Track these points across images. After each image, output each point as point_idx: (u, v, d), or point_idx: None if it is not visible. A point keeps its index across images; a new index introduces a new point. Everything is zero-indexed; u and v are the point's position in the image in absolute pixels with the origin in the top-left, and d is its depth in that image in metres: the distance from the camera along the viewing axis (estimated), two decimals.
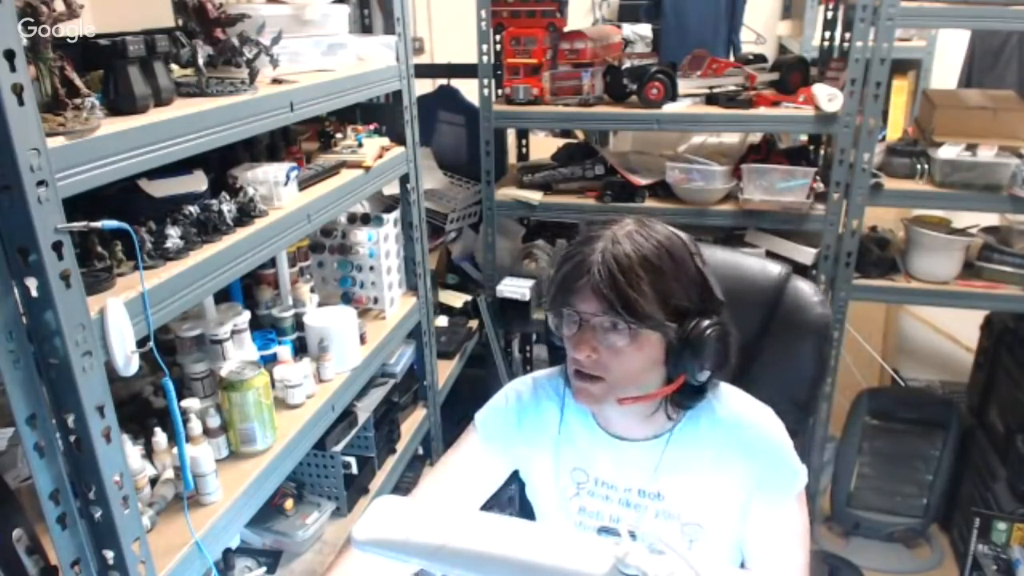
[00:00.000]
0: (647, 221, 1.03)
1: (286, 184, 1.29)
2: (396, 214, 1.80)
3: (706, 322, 0.97)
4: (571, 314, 0.97)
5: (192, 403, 1.17)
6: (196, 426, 1.14)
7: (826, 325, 1.26)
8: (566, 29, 2.18)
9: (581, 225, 2.53)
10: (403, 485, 1.95)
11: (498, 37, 2.23)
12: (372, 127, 1.73)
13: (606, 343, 0.96)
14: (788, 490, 1.03)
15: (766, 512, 1.04)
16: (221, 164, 1.29)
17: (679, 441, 1.05)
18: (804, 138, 2.48)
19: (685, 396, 1.02)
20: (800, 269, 1.88)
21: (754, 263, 1.32)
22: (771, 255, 2.04)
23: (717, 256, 1.29)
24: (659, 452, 1.05)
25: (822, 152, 2.36)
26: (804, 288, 1.27)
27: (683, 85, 2.08)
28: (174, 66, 1.15)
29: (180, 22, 1.55)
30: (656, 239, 0.99)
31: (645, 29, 2.50)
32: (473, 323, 2.36)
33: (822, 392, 1.27)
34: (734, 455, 1.04)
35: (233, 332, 1.31)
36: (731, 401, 1.07)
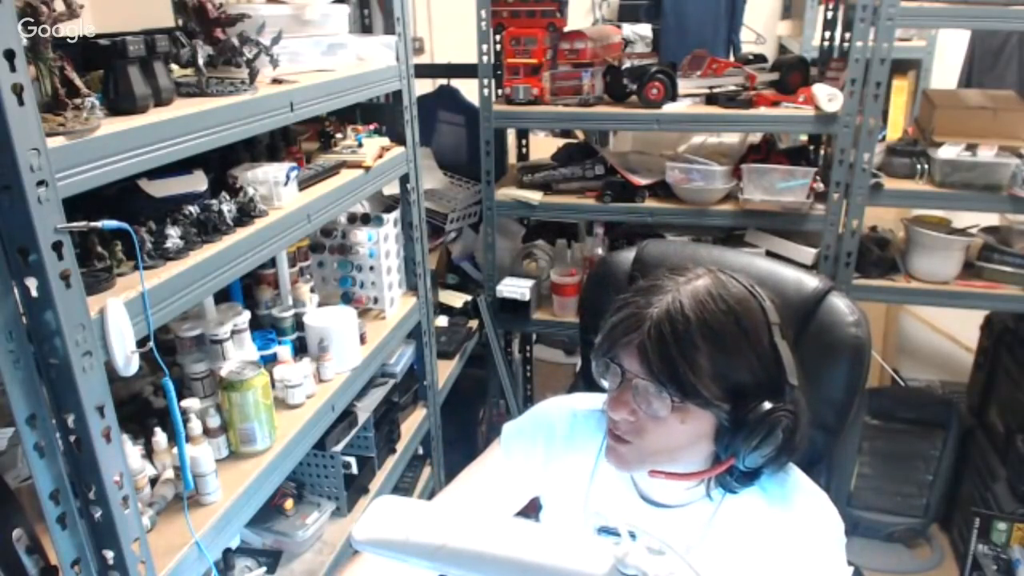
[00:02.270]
0: (725, 275, 0.90)
1: (286, 184, 1.29)
2: (396, 214, 1.80)
3: (768, 405, 0.84)
4: (615, 368, 0.88)
5: (192, 403, 1.17)
6: (196, 426, 1.14)
7: (859, 347, 1.15)
8: (566, 29, 2.18)
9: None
10: (403, 485, 1.95)
11: (498, 37, 2.23)
12: (372, 127, 1.73)
13: (647, 408, 0.87)
14: None
15: None
16: (221, 164, 1.29)
17: (718, 516, 0.96)
18: (804, 138, 2.48)
19: (733, 478, 0.92)
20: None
21: (790, 275, 1.22)
22: (772, 255, 2.04)
23: (755, 265, 1.23)
24: (691, 520, 0.96)
25: (822, 152, 2.36)
26: (840, 306, 1.17)
27: (683, 85, 2.08)
28: (174, 66, 1.15)
29: (180, 22, 1.55)
30: (727, 303, 0.86)
31: (645, 29, 2.50)
32: (473, 323, 2.36)
33: (851, 417, 1.19)
34: (773, 544, 0.93)
35: (233, 332, 1.31)
36: (786, 486, 0.95)
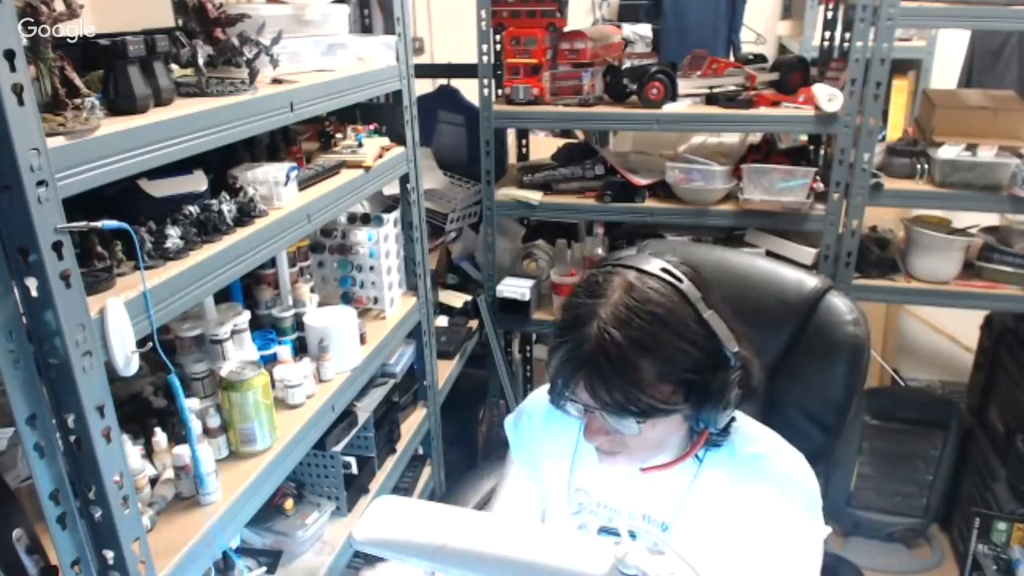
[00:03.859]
0: (634, 272, 0.89)
1: (286, 184, 1.29)
2: (396, 214, 1.80)
3: (720, 375, 0.88)
4: (575, 404, 0.91)
5: (192, 403, 1.17)
6: (196, 426, 1.14)
7: (858, 346, 1.16)
8: (566, 29, 2.18)
9: (581, 225, 2.53)
10: (403, 485, 1.95)
11: (498, 37, 2.23)
12: (372, 127, 1.73)
13: (618, 429, 0.90)
14: (801, 540, 0.96)
15: (772, 558, 0.96)
16: (221, 164, 1.29)
17: (692, 473, 1.00)
18: (804, 138, 2.48)
19: (712, 438, 0.97)
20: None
21: (790, 275, 1.23)
22: (772, 255, 2.04)
23: (756, 266, 1.25)
24: (676, 482, 1.00)
25: (822, 152, 2.36)
26: (839, 305, 1.18)
27: (683, 85, 2.08)
28: (174, 66, 1.15)
29: (180, 22, 1.55)
30: (647, 309, 0.86)
31: (645, 29, 2.50)
32: (473, 323, 2.36)
33: (850, 416, 1.19)
34: (753, 495, 0.97)
35: (233, 332, 1.31)
36: (759, 440, 1.00)
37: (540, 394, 1.15)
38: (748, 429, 1.01)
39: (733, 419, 0.98)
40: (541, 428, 1.14)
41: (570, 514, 1.10)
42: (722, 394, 0.88)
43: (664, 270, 0.89)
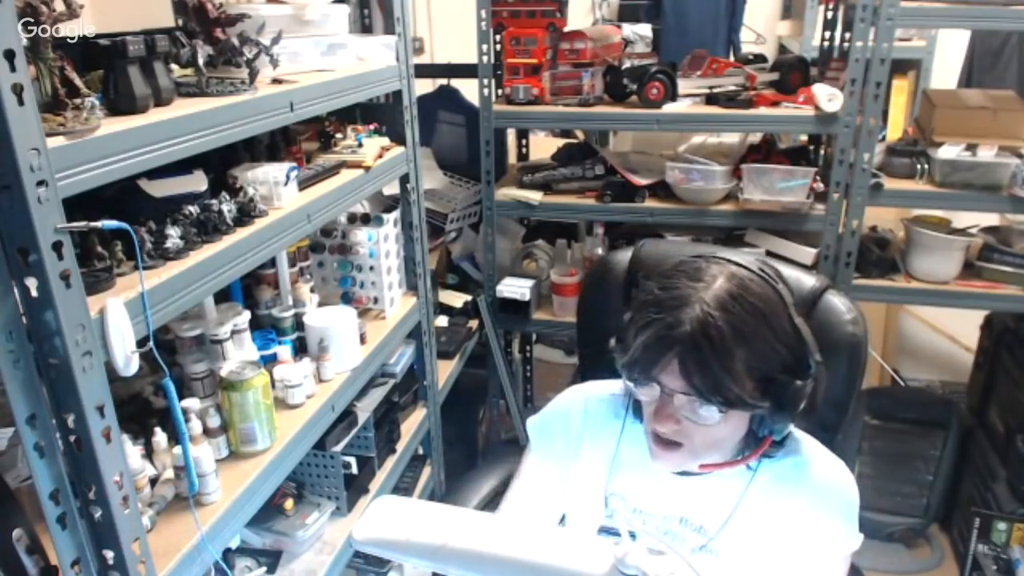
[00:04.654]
0: (735, 266, 0.90)
1: (286, 184, 1.29)
2: (396, 214, 1.80)
3: (799, 384, 0.88)
4: (653, 385, 0.89)
5: (192, 403, 1.17)
6: (196, 426, 1.14)
7: (857, 345, 1.17)
8: (566, 29, 2.18)
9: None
10: (403, 485, 1.95)
11: (498, 37, 2.23)
12: (372, 127, 1.73)
13: (694, 418, 0.88)
14: (836, 551, 0.98)
15: (805, 568, 0.97)
16: (221, 164, 1.29)
17: (737, 475, 1.00)
18: (804, 138, 2.48)
19: (767, 451, 0.97)
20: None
21: (787, 274, 1.20)
22: (772, 255, 2.04)
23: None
24: (720, 488, 1.00)
25: (822, 152, 2.36)
26: (837, 304, 1.18)
27: (683, 85, 2.08)
28: (174, 66, 1.15)
29: (180, 22, 1.55)
30: (750, 302, 0.86)
31: (645, 29, 2.50)
32: (473, 323, 2.36)
33: (851, 414, 1.20)
34: (794, 503, 0.97)
35: (233, 332, 1.31)
36: (804, 449, 1.01)
37: (573, 396, 1.13)
38: (794, 434, 1.00)
39: (790, 432, 0.96)
40: (579, 430, 1.10)
41: (599, 518, 1.07)
42: (796, 402, 0.88)
43: (762, 269, 0.91)
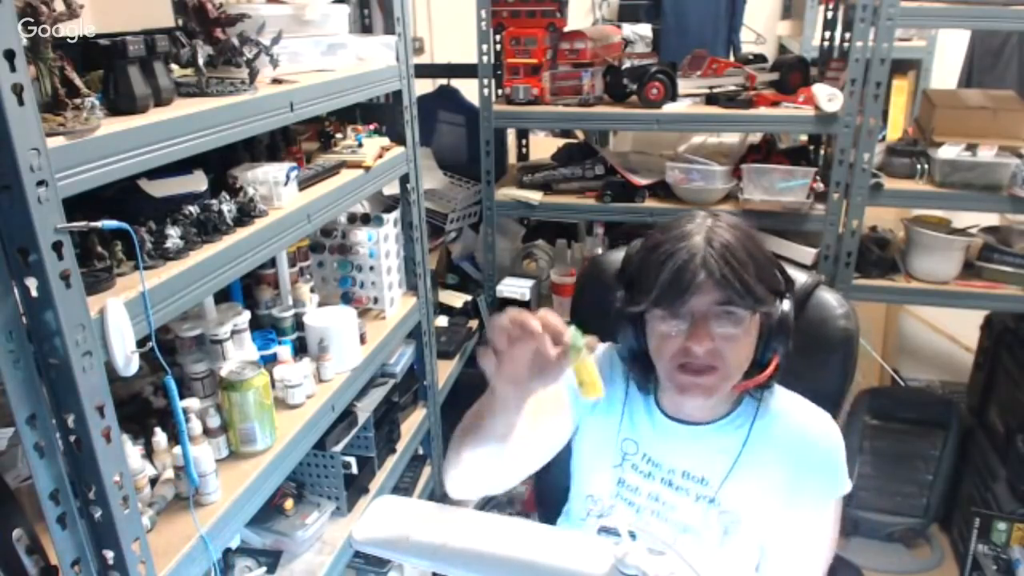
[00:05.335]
0: (714, 213, 1.03)
1: (286, 184, 1.29)
2: (396, 214, 1.80)
3: (788, 300, 1.01)
4: (685, 311, 0.96)
5: (192, 403, 1.17)
6: (196, 426, 1.14)
7: (849, 340, 1.21)
8: (566, 29, 2.18)
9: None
10: (403, 485, 1.95)
11: (498, 37, 2.23)
12: (372, 127, 1.73)
13: (720, 333, 0.96)
14: (828, 496, 1.06)
15: (800, 514, 1.06)
16: (221, 164, 1.29)
17: (737, 429, 1.07)
18: (804, 138, 2.48)
19: (767, 383, 1.05)
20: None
21: None
22: (774, 255, 2.03)
23: None
24: (717, 438, 1.07)
25: (822, 152, 2.36)
26: (829, 300, 1.22)
27: (683, 85, 2.08)
28: (174, 66, 1.15)
29: (180, 22, 1.55)
30: (742, 229, 1.00)
31: (645, 29, 2.50)
32: (473, 323, 2.36)
33: (844, 408, 1.24)
34: (787, 452, 1.05)
35: (233, 332, 1.31)
36: (792, 402, 1.09)
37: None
38: (780, 392, 1.10)
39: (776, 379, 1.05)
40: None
41: (612, 465, 1.12)
42: (788, 319, 1.00)
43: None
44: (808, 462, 1.05)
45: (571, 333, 0.82)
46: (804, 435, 1.06)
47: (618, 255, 1.34)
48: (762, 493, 1.05)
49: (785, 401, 1.09)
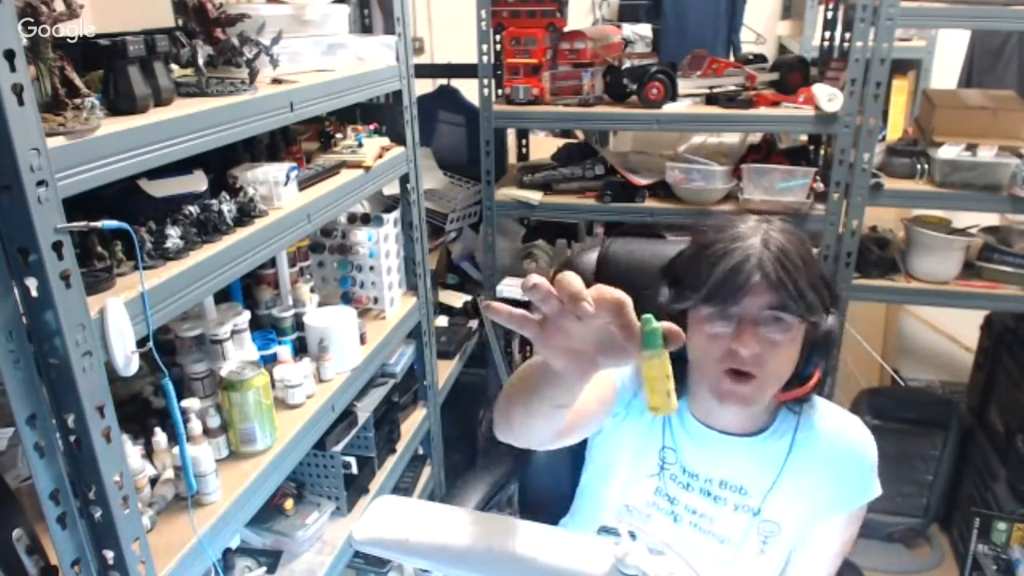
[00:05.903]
0: (767, 218, 1.01)
1: (286, 184, 1.29)
2: (396, 214, 1.80)
3: (834, 313, 0.99)
4: (735, 311, 0.94)
5: (192, 403, 1.17)
6: (196, 426, 1.14)
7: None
8: (566, 29, 2.18)
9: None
10: (403, 485, 1.95)
11: (498, 37, 2.23)
12: (372, 127, 1.73)
13: (767, 338, 0.94)
14: (861, 500, 1.08)
15: (834, 519, 1.07)
16: (221, 164, 1.29)
17: (778, 440, 1.06)
18: (804, 138, 2.48)
19: (805, 397, 1.05)
20: None
21: None
22: None
23: None
24: (757, 450, 1.06)
25: (822, 152, 2.35)
26: None
27: (683, 85, 2.08)
28: (174, 66, 1.15)
29: (180, 22, 1.55)
30: (795, 233, 0.98)
31: (645, 29, 2.50)
32: (473, 323, 2.36)
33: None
34: (828, 461, 1.06)
35: (233, 332, 1.31)
36: (828, 410, 1.09)
37: None
38: (815, 400, 1.08)
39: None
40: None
41: (649, 474, 1.10)
42: (834, 333, 0.98)
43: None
44: (847, 469, 1.06)
45: (646, 323, 0.63)
46: (843, 443, 1.07)
47: (591, 255, 1.34)
48: (804, 503, 1.06)
49: (820, 409, 1.09)
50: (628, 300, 0.62)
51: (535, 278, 0.61)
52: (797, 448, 1.06)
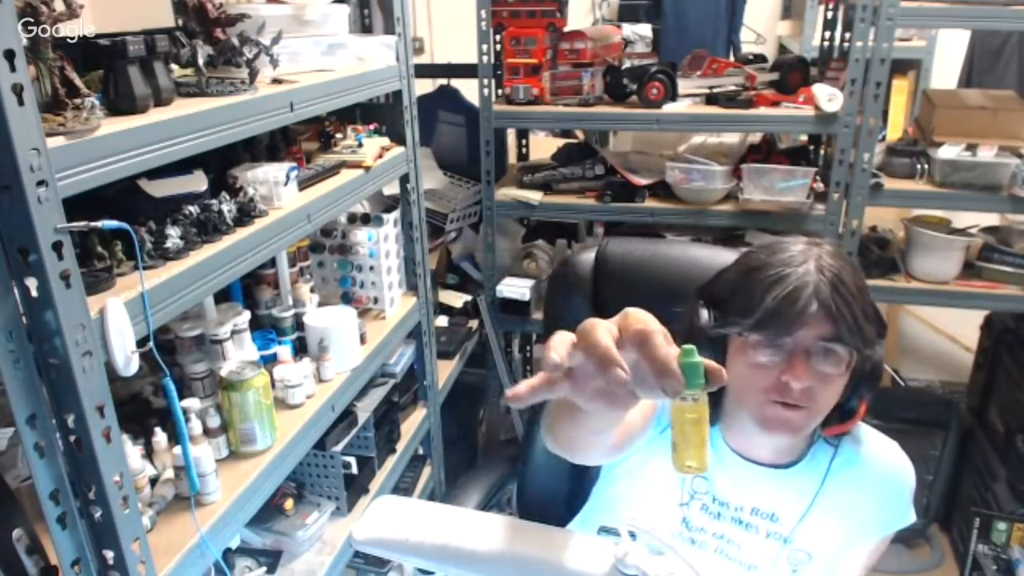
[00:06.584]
0: (816, 242, 0.96)
1: (286, 184, 1.29)
2: (396, 214, 1.80)
3: (880, 349, 0.94)
4: (787, 341, 0.89)
5: (192, 403, 1.17)
6: (196, 426, 1.14)
7: (877, 364, 1.21)
8: (566, 29, 2.18)
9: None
10: (403, 485, 1.95)
11: (498, 37, 2.23)
12: (372, 127, 1.73)
13: (829, 368, 0.90)
14: (895, 527, 1.05)
15: (867, 544, 1.05)
16: (221, 164, 1.29)
17: (813, 471, 1.03)
18: (804, 138, 2.48)
19: (848, 432, 1.01)
20: None
21: None
22: None
23: (721, 257, 1.25)
24: (792, 480, 1.03)
25: (822, 152, 2.36)
26: None
27: (683, 85, 2.08)
28: (174, 66, 1.15)
29: (180, 22, 1.55)
30: (846, 258, 0.93)
31: (645, 29, 2.50)
32: (473, 323, 2.36)
33: None
34: (864, 489, 1.03)
35: (233, 332, 1.31)
36: (866, 433, 1.05)
37: None
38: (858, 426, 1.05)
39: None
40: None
41: (678, 504, 1.04)
42: (881, 364, 0.94)
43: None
44: (883, 497, 1.03)
45: (686, 355, 0.52)
46: (880, 471, 1.04)
47: (588, 255, 1.31)
48: (838, 530, 1.02)
49: (867, 440, 1.05)
50: (653, 330, 0.53)
51: (554, 357, 0.54)
52: (832, 477, 1.02)
